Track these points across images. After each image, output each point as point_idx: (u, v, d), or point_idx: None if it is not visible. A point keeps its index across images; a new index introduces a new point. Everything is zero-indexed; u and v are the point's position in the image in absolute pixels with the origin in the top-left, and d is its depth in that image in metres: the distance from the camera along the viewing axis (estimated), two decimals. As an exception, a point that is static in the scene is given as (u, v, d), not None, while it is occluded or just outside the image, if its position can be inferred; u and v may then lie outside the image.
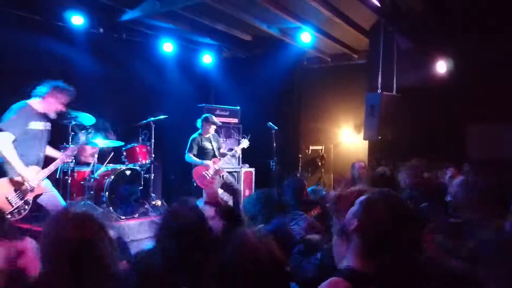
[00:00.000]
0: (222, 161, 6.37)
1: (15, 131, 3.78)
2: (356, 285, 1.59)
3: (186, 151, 6.48)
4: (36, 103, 3.97)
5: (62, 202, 4.19)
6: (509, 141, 6.12)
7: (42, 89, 3.95)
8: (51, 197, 4.11)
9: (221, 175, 6.48)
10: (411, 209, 1.93)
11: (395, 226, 1.67)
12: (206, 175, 6.29)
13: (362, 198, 1.80)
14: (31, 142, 3.94)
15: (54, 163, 4.06)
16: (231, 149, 7.71)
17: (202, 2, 6.01)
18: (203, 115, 6.57)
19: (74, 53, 6.63)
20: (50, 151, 4.28)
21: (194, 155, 6.38)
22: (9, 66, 5.72)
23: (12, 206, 3.79)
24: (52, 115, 4.06)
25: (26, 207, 3.89)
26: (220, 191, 7.24)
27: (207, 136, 6.47)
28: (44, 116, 4.04)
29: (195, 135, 6.46)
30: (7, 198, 3.78)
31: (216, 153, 6.49)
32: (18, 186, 3.82)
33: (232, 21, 7.23)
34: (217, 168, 6.28)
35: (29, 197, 3.89)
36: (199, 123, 6.52)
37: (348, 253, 1.73)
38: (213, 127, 6.47)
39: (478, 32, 6.04)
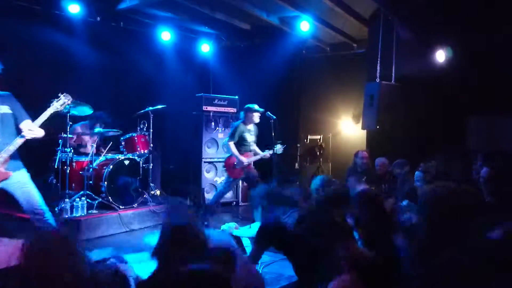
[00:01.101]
0: (253, 157, 6.26)
1: None
2: None
3: (228, 137, 6.27)
4: None
5: (37, 197, 3.93)
6: (509, 132, 6.12)
7: None
8: (26, 192, 3.87)
9: (249, 168, 6.36)
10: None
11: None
12: (236, 166, 6.22)
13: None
14: None
15: (12, 143, 3.77)
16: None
17: (200, -10, 5.97)
18: (246, 105, 6.31)
19: (71, 42, 6.60)
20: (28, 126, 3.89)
21: (234, 144, 6.15)
22: (5, 56, 5.67)
23: None
24: None
25: None
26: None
27: (249, 126, 6.25)
28: None
29: (238, 123, 6.24)
30: None
31: (252, 147, 6.34)
32: None
33: (231, 9, 7.17)
34: (246, 163, 6.19)
35: None
36: (241, 114, 6.30)
37: None
38: (257, 114, 6.21)
39: (478, 22, 6.01)
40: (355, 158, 6.45)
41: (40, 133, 3.90)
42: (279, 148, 6.13)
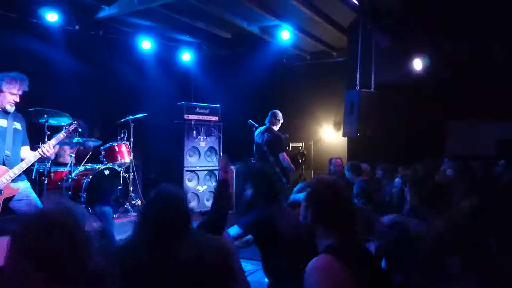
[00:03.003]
0: None
1: None
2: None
3: (282, 152, 6.00)
4: None
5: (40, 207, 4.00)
6: (486, 138, 6.28)
7: None
8: (28, 204, 3.85)
9: None
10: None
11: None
12: None
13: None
14: None
15: (25, 161, 3.79)
16: (212, 148, 7.69)
17: (181, -1, 5.97)
18: (273, 111, 6.23)
19: (49, 51, 6.50)
20: (26, 154, 3.96)
21: None
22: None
23: None
24: (11, 108, 3.75)
25: None
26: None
27: None
28: (7, 113, 3.75)
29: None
30: None
31: None
32: None
33: (211, 18, 7.19)
34: None
35: None
36: (270, 121, 6.16)
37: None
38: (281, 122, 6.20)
39: (455, 30, 6.17)
40: (329, 165, 6.50)
41: (52, 155, 4.00)
42: None
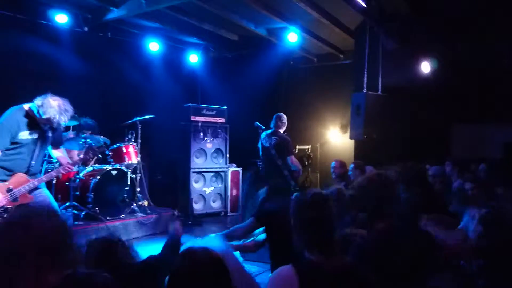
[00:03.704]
0: None
1: (2, 142, 3.60)
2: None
3: (290, 155, 5.97)
4: (33, 111, 3.67)
5: (53, 205, 3.99)
6: (492, 141, 6.24)
7: (38, 98, 3.63)
8: (41, 201, 3.93)
9: None
10: None
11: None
12: None
13: None
14: (21, 150, 3.73)
15: (46, 175, 3.91)
16: (218, 149, 7.72)
17: (189, 1, 6.00)
18: (278, 114, 6.18)
19: (58, 52, 6.56)
20: (59, 155, 4.14)
21: None
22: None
23: None
24: (45, 126, 3.76)
25: (5, 215, 3.60)
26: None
27: None
28: (41, 127, 3.77)
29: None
30: None
31: None
32: None
33: (219, 21, 7.22)
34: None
35: (10, 205, 3.66)
36: (276, 124, 6.10)
37: None
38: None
39: (462, 33, 6.15)
40: (331, 168, 6.48)
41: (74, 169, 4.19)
42: None
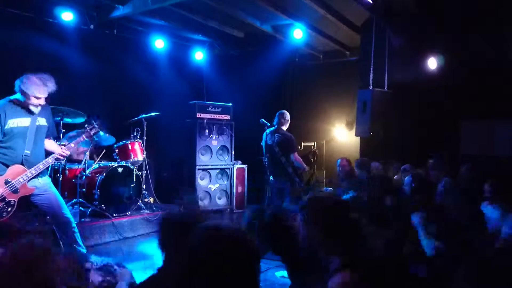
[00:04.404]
0: None
1: None
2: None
3: (293, 152, 5.95)
4: (18, 98, 3.74)
5: (60, 202, 4.03)
6: (500, 138, 6.19)
7: (17, 82, 3.70)
8: (47, 198, 3.94)
9: None
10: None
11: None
12: None
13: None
14: (14, 140, 3.76)
15: (42, 162, 3.87)
16: (223, 146, 7.72)
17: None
18: (281, 111, 6.15)
19: (64, 50, 6.58)
20: (50, 146, 4.11)
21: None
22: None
23: None
24: (36, 108, 3.80)
25: (9, 208, 3.70)
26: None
27: None
28: (31, 112, 3.81)
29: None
30: None
31: None
32: None
33: (224, 18, 7.21)
34: None
35: (12, 198, 3.71)
36: (279, 121, 6.07)
37: None
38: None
39: (468, 29, 6.10)
40: (337, 166, 6.46)
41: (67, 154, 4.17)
42: None
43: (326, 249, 1.87)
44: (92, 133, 4.37)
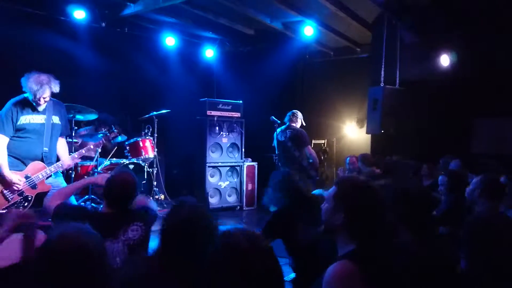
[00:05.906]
0: None
1: (6, 129, 3.71)
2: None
3: (307, 146, 6.04)
4: (27, 96, 3.80)
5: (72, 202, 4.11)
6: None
7: (22, 81, 3.75)
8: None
9: None
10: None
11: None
12: None
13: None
14: (29, 136, 3.82)
15: (54, 165, 3.94)
16: (234, 144, 7.73)
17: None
18: (293, 111, 6.21)
19: (76, 48, 6.64)
20: (61, 149, 4.14)
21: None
22: (11, 62, 5.72)
23: (9, 201, 3.72)
24: (40, 108, 3.84)
25: (26, 203, 3.78)
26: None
27: None
28: (39, 109, 3.85)
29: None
30: (2, 192, 3.70)
31: None
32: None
33: (234, 15, 7.21)
34: None
35: (30, 193, 3.80)
36: (290, 119, 6.14)
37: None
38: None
39: (482, 26, 6.01)
40: (346, 164, 6.45)
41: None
42: None
43: (344, 232, 1.79)
44: (111, 137, 4.51)
